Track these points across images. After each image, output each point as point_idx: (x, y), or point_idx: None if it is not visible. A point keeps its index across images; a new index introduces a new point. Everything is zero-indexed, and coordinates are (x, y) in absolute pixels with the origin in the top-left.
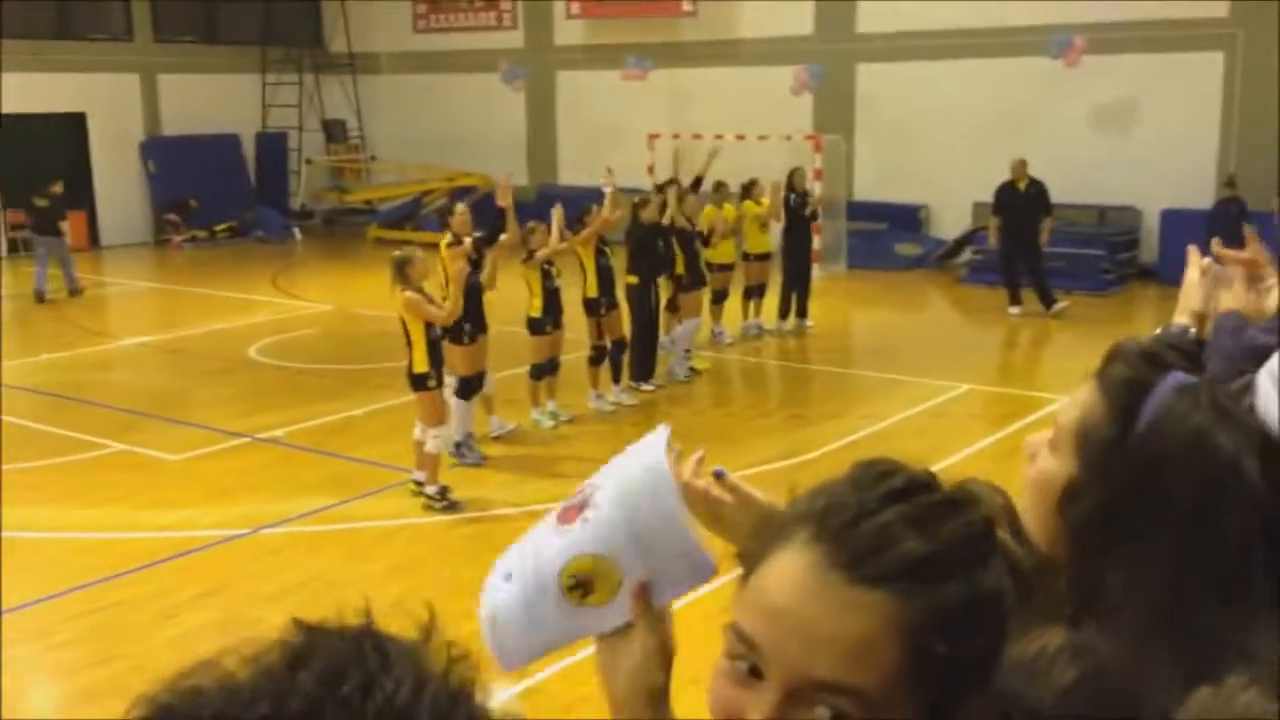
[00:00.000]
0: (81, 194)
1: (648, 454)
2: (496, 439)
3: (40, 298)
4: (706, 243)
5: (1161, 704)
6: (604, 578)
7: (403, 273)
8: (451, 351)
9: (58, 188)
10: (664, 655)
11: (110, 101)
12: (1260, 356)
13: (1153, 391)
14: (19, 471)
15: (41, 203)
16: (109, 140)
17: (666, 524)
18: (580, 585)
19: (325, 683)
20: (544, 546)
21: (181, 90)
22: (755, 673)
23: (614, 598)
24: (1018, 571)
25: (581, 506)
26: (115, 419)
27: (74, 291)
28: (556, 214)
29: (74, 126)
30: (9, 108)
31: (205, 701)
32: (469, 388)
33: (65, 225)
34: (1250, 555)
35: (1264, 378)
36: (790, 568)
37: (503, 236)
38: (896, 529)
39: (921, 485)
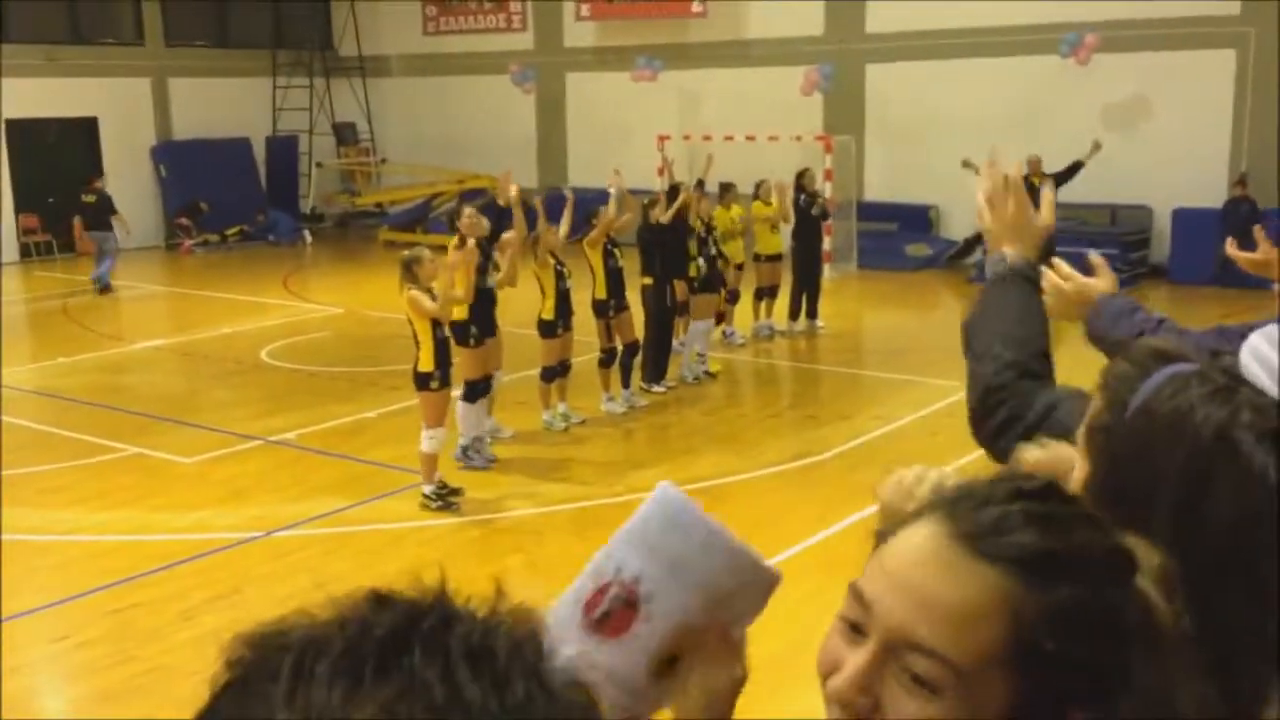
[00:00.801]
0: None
1: (672, 514)
2: (493, 442)
3: (102, 288)
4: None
5: (1195, 702)
6: (690, 647)
7: (410, 272)
8: (456, 354)
9: (99, 183)
10: (739, 685)
11: (122, 106)
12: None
13: (1148, 380)
14: (34, 475)
15: (89, 199)
16: (121, 144)
17: (729, 564)
18: (667, 665)
19: (407, 618)
20: (614, 669)
21: (192, 94)
22: (861, 630)
23: (705, 659)
24: (1152, 621)
25: (628, 606)
26: (129, 422)
27: (104, 288)
28: (568, 203)
29: (86, 131)
30: (21, 112)
31: (292, 637)
32: (474, 391)
33: (116, 220)
34: (1252, 536)
35: (1248, 359)
36: (915, 537)
37: (507, 234)
38: (1019, 519)
39: (1059, 494)
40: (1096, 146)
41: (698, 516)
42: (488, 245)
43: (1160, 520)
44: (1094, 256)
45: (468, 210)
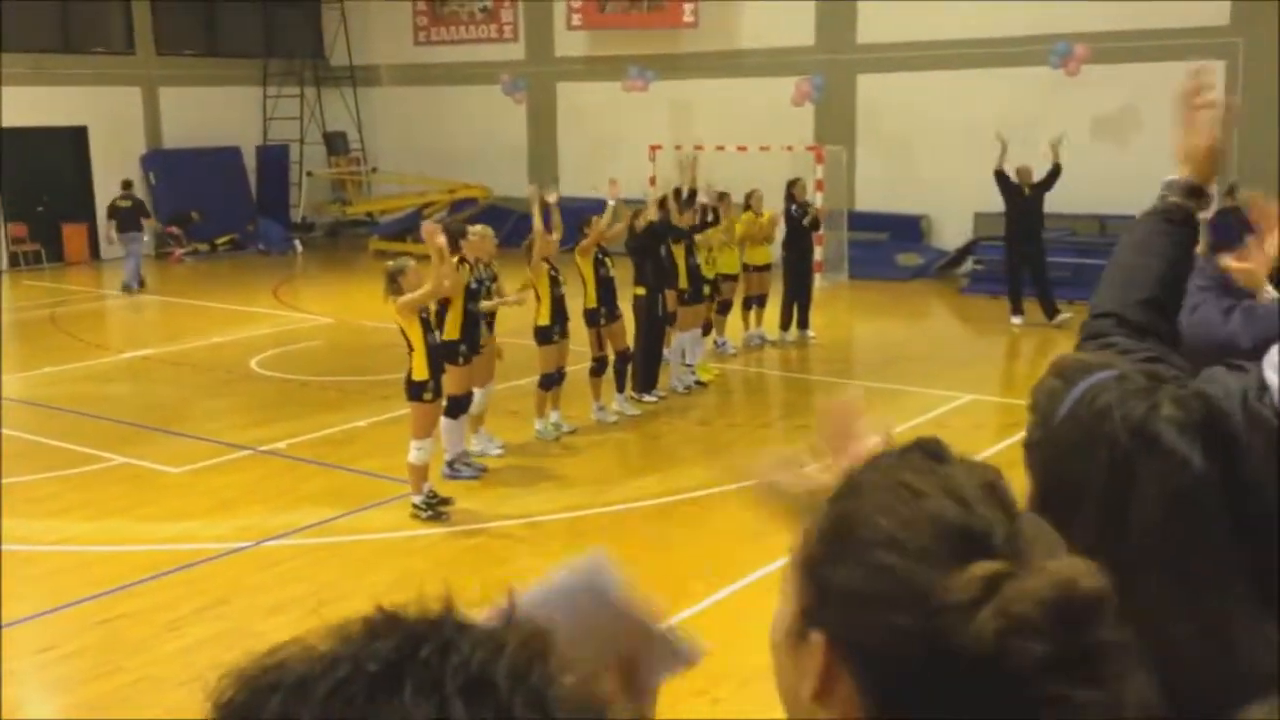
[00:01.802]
0: (82, 207)
1: (596, 580)
2: (480, 456)
3: (129, 290)
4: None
5: (1135, 695)
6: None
7: (395, 284)
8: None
9: (132, 188)
10: None
11: (112, 114)
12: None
13: (1072, 390)
14: (22, 485)
15: (124, 202)
16: (111, 153)
17: (642, 635)
18: None
19: (403, 647)
20: None
21: (183, 103)
22: None
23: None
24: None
25: None
26: (118, 432)
27: (129, 288)
28: (552, 201)
29: (75, 140)
30: (11, 121)
31: (288, 670)
32: (458, 407)
33: (146, 223)
34: (1179, 528)
35: (1270, 373)
36: None
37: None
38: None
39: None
40: (1055, 145)
41: (613, 588)
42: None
43: (1087, 521)
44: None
45: (476, 229)
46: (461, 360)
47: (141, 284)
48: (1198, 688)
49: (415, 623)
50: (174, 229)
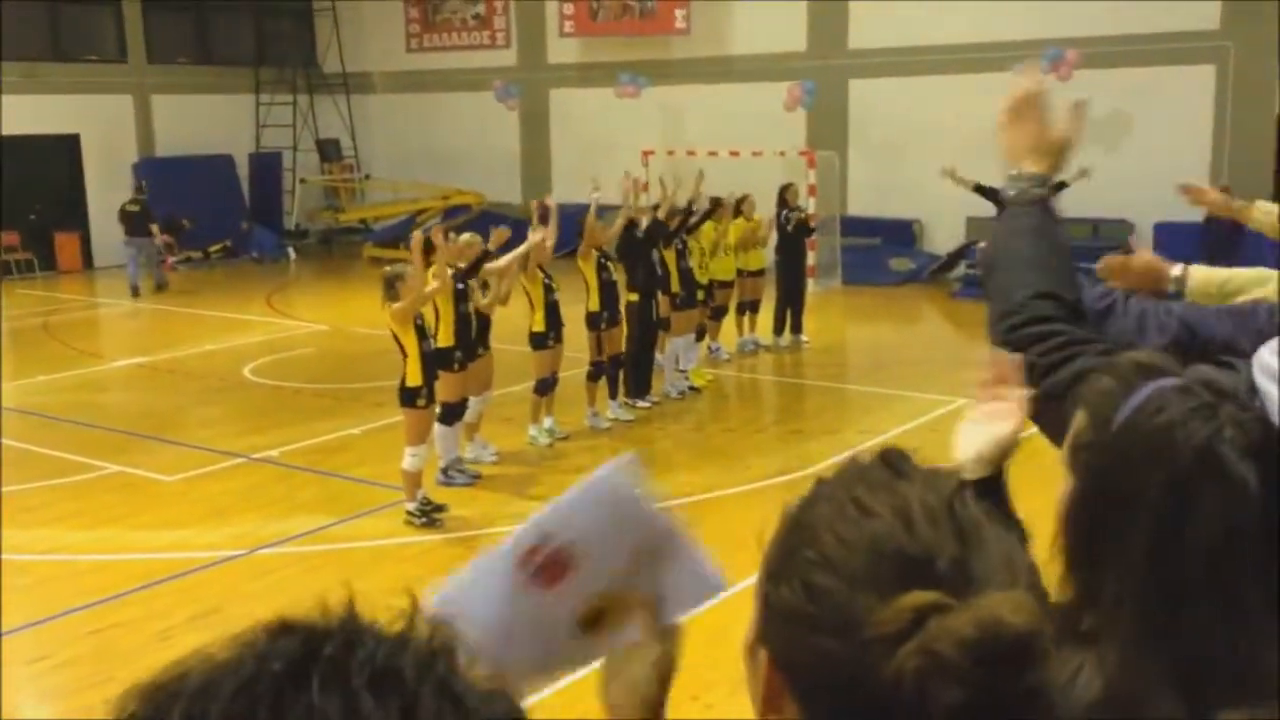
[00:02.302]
0: (74, 215)
1: (619, 487)
2: (474, 463)
3: (136, 292)
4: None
5: (1162, 714)
6: (615, 607)
7: (392, 289)
8: (438, 377)
9: (143, 194)
10: (666, 670)
11: (104, 122)
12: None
13: (1133, 395)
14: (15, 493)
15: (132, 207)
16: (102, 161)
17: (668, 546)
18: (592, 620)
19: (307, 645)
20: (540, 621)
21: (175, 111)
22: None
23: (628, 621)
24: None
25: (558, 564)
26: (110, 440)
27: (161, 286)
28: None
29: (67, 147)
30: (3, 129)
31: (191, 678)
32: (452, 414)
33: (155, 228)
34: (1233, 554)
35: (1262, 378)
36: None
37: (496, 263)
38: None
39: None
40: (1083, 173)
41: (637, 494)
42: (473, 268)
43: (1139, 539)
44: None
45: (465, 236)
46: (456, 367)
47: (136, 292)
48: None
49: (318, 624)
50: (166, 237)
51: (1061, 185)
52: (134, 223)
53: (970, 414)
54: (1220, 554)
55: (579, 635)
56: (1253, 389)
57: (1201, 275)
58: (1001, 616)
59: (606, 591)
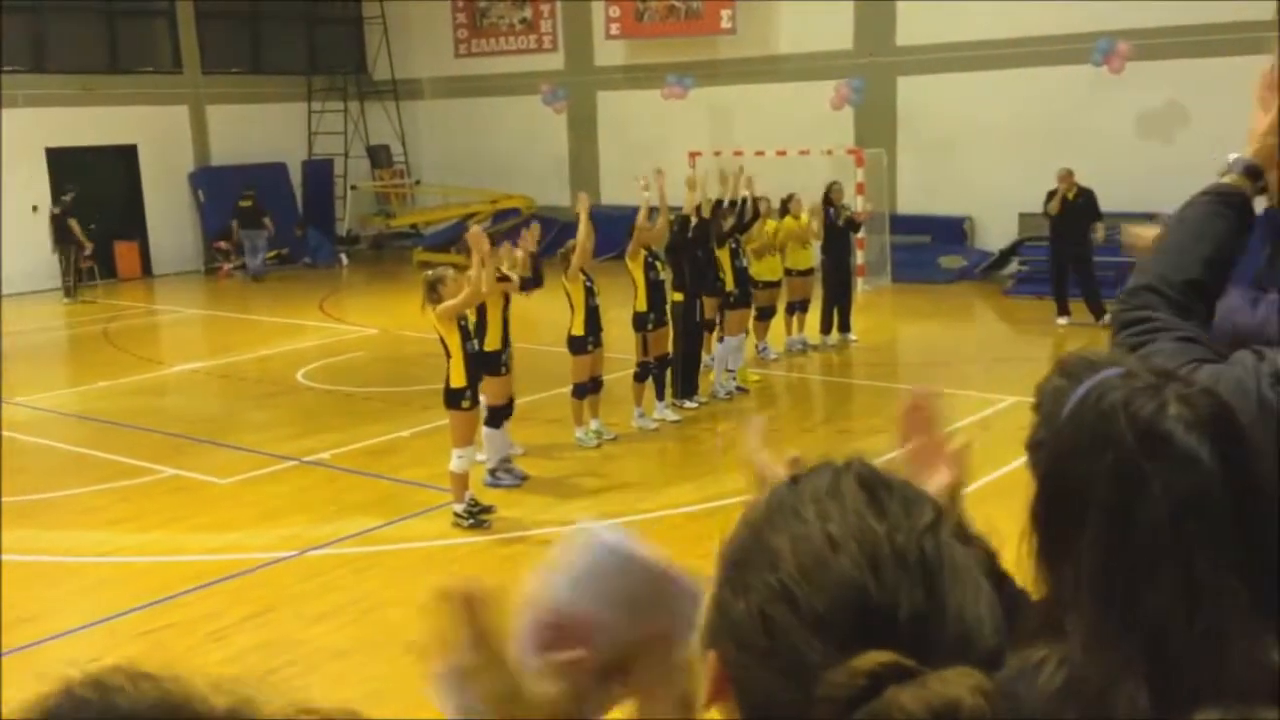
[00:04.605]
0: (134, 224)
1: (590, 553)
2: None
3: (257, 277)
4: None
5: (1128, 703)
6: (630, 655)
7: (435, 292)
8: (485, 382)
9: (253, 191)
10: (689, 705)
11: (160, 133)
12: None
13: (1079, 388)
14: (72, 497)
15: (245, 204)
16: (160, 171)
17: (663, 591)
18: (616, 672)
19: None
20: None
21: (229, 120)
22: None
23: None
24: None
25: (563, 635)
26: (166, 444)
27: (257, 275)
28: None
29: (125, 158)
30: (62, 141)
31: None
32: (499, 416)
33: (268, 220)
34: (1187, 530)
35: None
36: None
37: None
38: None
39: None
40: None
41: (612, 547)
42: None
43: (1092, 526)
44: None
45: (474, 229)
46: (504, 370)
47: (258, 276)
48: (1192, 700)
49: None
50: (222, 244)
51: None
52: (247, 217)
53: (900, 459)
54: (1173, 531)
55: (604, 689)
56: (1277, 374)
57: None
58: (956, 700)
59: (615, 647)
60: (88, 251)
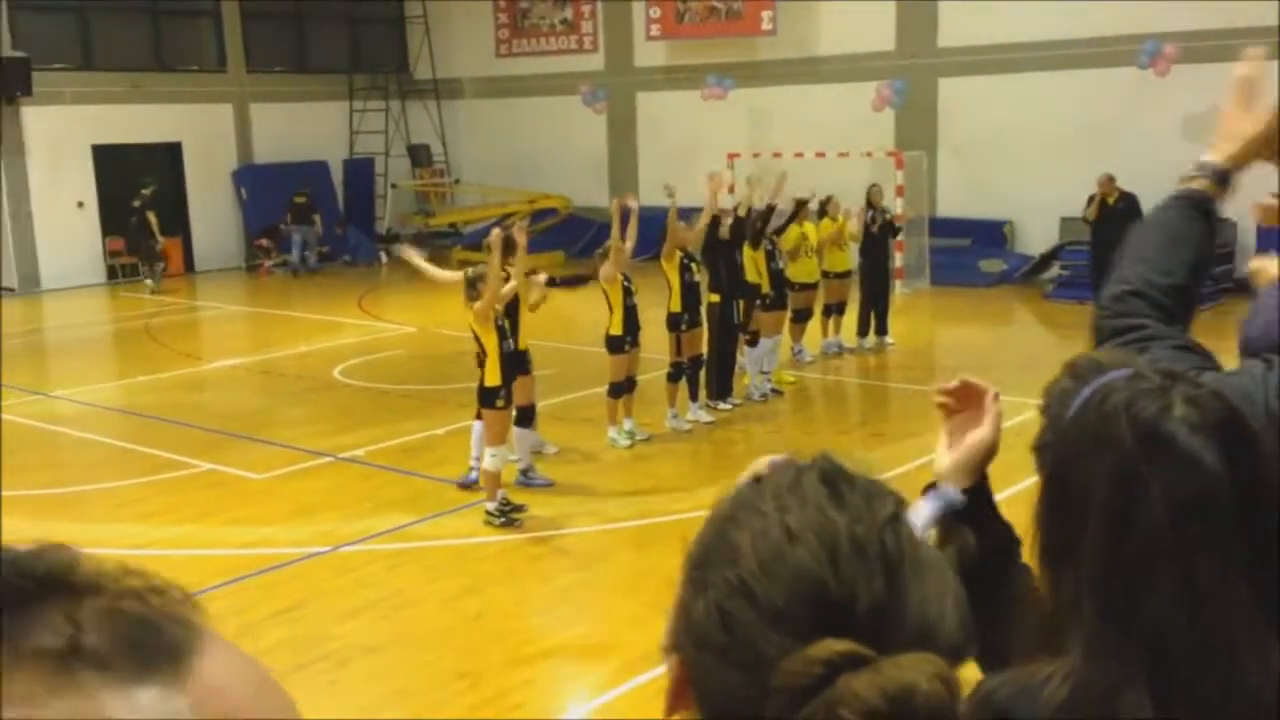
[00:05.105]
0: (177, 221)
1: None
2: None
3: (304, 264)
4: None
5: (1131, 710)
6: None
7: (474, 290)
8: (516, 380)
9: (307, 189)
10: None
11: (204, 131)
12: None
13: (1085, 390)
14: (109, 490)
15: (300, 199)
16: (203, 168)
17: None
18: None
19: None
20: None
21: (272, 119)
22: None
23: None
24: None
25: None
26: (203, 439)
27: (307, 270)
28: (633, 215)
29: (170, 156)
30: (108, 138)
31: None
32: (528, 416)
33: (317, 216)
34: (1190, 533)
35: None
36: None
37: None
38: None
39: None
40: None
41: None
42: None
43: (1093, 529)
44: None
45: (495, 232)
46: (531, 370)
47: (297, 271)
48: (1197, 706)
49: None
50: (263, 242)
51: (1223, 178)
52: (300, 212)
53: (942, 431)
54: (1174, 535)
55: None
56: None
57: None
58: (911, 685)
59: None
60: (160, 246)
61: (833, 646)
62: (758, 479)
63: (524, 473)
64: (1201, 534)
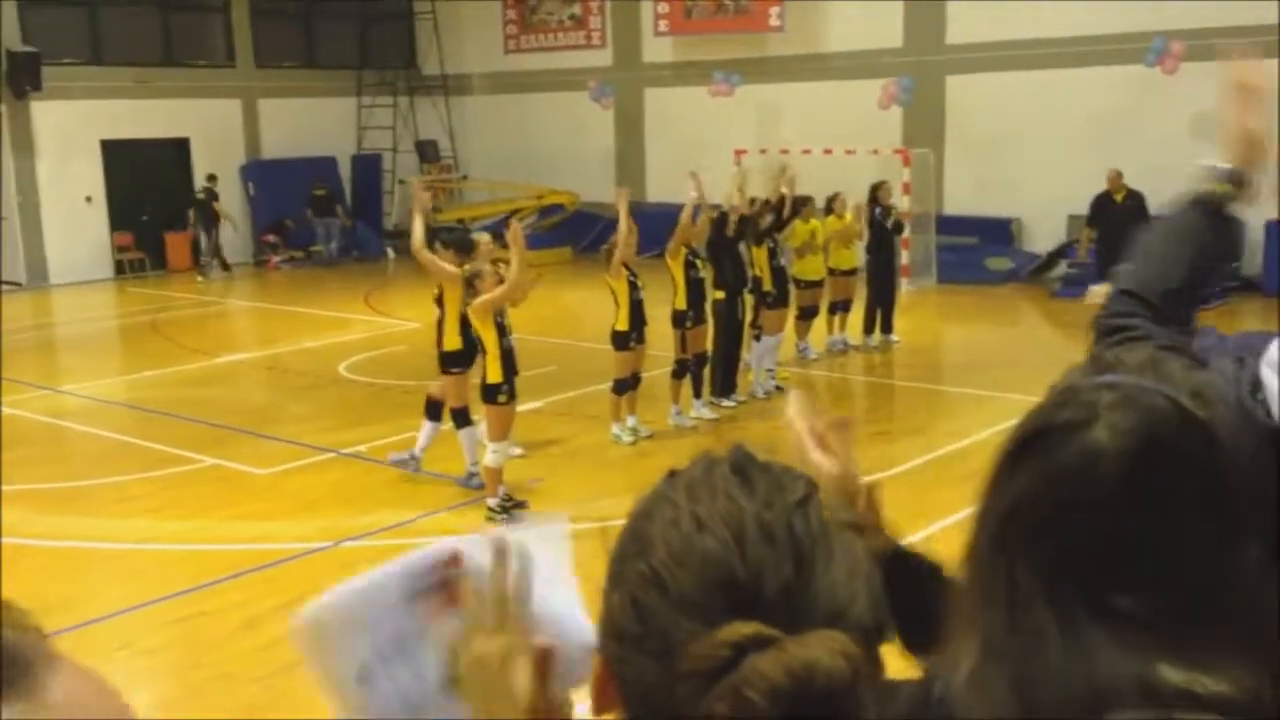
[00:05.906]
0: (185, 217)
1: (535, 537)
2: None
3: (332, 258)
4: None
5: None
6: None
7: (472, 288)
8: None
9: (323, 184)
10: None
11: (213, 126)
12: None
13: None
14: (112, 485)
15: (320, 192)
16: (211, 164)
17: (565, 612)
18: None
19: None
20: (411, 639)
21: (280, 114)
22: None
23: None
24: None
25: (448, 592)
26: (208, 434)
27: (332, 261)
28: (623, 200)
29: (178, 151)
30: (116, 133)
31: None
32: (463, 417)
33: (339, 208)
34: (1077, 554)
35: (1266, 370)
36: None
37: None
38: None
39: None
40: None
41: (568, 575)
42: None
43: (977, 545)
44: None
45: (485, 237)
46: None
47: (326, 262)
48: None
49: None
50: (271, 237)
51: (1239, 179)
52: (321, 205)
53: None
54: (1058, 553)
55: (449, 694)
56: (1257, 383)
57: None
58: (815, 662)
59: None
60: (234, 227)
61: (739, 629)
62: (673, 473)
63: (470, 474)
64: (1094, 563)
